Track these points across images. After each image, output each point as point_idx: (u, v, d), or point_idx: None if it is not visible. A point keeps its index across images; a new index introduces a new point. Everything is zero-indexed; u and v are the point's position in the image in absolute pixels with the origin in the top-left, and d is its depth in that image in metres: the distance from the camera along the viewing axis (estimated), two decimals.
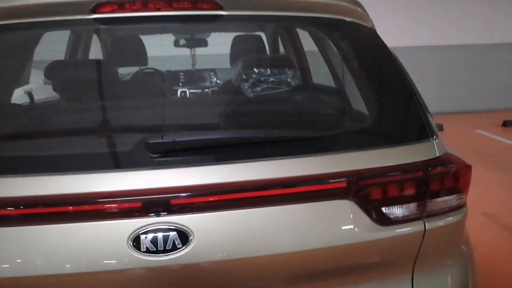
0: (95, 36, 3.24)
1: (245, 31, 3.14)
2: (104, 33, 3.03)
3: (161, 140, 1.16)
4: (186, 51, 3.96)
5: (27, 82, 2.80)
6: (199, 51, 3.96)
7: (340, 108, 1.63)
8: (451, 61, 8.25)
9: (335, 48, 1.66)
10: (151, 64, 3.17)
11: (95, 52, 3.36)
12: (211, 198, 1.12)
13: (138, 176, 1.11)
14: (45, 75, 1.83)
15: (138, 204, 1.09)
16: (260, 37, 3.16)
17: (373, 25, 1.48)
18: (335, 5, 1.45)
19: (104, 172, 1.12)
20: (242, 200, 1.14)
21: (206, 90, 3.63)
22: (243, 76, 1.77)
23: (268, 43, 3.36)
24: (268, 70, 1.74)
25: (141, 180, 1.11)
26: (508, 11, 8.32)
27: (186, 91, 3.33)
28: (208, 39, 3.90)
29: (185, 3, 1.31)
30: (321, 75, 2.14)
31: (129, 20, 1.37)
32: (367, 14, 1.50)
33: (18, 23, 1.34)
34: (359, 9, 1.48)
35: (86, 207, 1.10)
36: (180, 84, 3.56)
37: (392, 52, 1.41)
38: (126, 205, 1.10)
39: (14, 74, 2.02)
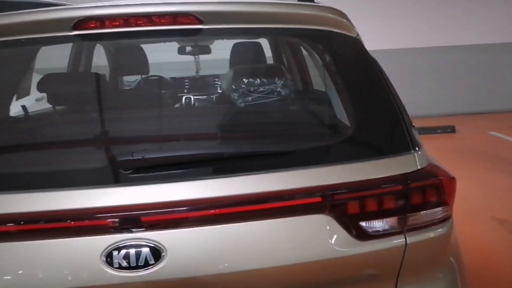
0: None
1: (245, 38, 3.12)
2: (104, 44, 3.05)
3: (131, 157, 1.18)
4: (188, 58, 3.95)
5: (28, 94, 2.87)
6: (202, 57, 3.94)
7: (324, 120, 1.60)
8: (463, 62, 8.10)
9: (319, 59, 1.63)
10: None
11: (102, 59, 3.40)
12: (182, 215, 1.12)
13: (111, 193, 1.12)
14: (37, 88, 1.87)
15: (110, 221, 1.09)
16: (259, 44, 3.15)
17: (357, 34, 1.45)
18: (316, 16, 1.42)
19: (76, 189, 1.13)
20: (214, 216, 1.13)
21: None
22: (233, 86, 1.76)
23: (271, 49, 3.35)
24: (258, 80, 1.72)
25: (114, 196, 1.12)
26: None
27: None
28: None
29: (166, 18, 1.31)
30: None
31: (111, 36, 1.40)
32: (351, 24, 1.46)
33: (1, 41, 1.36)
34: (344, 19, 1.44)
35: (58, 224, 1.10)
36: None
37: (376, 63, 1.39)
38: (99, 221, 1.10)
39: (10, 88, 2.06)
